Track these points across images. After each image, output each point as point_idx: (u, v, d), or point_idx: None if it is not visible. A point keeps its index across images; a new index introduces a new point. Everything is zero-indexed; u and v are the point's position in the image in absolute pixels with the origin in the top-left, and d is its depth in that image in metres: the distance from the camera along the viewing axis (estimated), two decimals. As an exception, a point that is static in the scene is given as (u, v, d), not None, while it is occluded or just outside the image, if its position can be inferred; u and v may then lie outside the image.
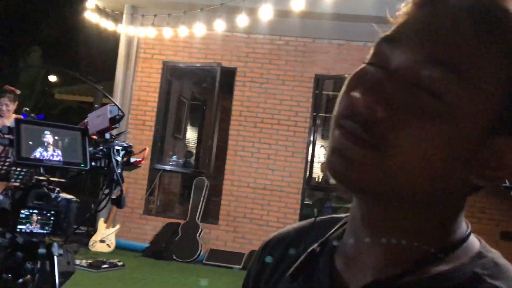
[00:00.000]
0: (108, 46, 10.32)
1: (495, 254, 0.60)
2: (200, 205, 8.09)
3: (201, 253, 7.81)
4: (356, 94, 0.53)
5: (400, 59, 0.53)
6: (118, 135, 1.70)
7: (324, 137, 11.79)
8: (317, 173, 9.97)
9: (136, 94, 8.60)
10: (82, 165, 1.58)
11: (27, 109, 4.07)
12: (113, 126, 1.64)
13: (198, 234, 7.92)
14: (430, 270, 0.57)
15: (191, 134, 11.85)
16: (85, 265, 6.46)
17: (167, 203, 9.73)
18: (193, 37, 7.93)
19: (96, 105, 8.58)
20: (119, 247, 7.83)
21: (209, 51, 8.36)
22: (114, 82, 8.55)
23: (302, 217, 8.01)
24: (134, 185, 8.32)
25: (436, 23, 0.52)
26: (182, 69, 8.64)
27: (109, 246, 7.73)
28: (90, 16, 8.02)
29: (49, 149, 1.51)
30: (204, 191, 8.17)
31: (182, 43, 8.26)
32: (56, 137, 1.54)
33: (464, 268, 0.57)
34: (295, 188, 8.02)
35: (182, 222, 8.11)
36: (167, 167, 9.06)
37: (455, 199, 0.58)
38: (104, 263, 6.64)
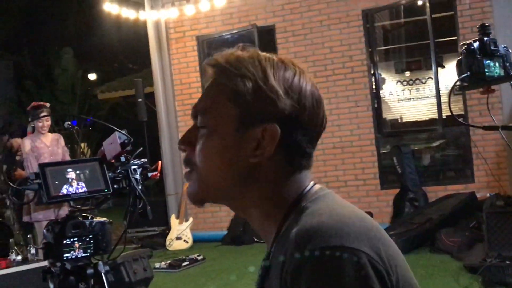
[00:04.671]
0: (138, 33, 10.87)
1: (313, 203, 0.99)
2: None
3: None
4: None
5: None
6: (135, 154, 2.11)
7: (397, 71, 11.86)
8: (388, 115, 10.14)
9: (177, 78, 9.11)
10: (106, 190, 2.01)
11: (69, 123, 4.60)
12: (125, 150, 2.05)
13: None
14: (281, 230, 1.00)
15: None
16: (165, 266, 7.11)
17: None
18: (220, 4, 8.29)
19: (139, 99, 9.18)
20: (197, 241, 8.48)
21: (241, 14, 8.68)
22: (152, 70, 9.10)
23: (381, 169, 8.29)
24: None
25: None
26: (218, 39, 9.03)
27: (187, 242, 8.39)
28: (110, 8, 8.55)
29: (73, 183, 1.95)
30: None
31: (210, 13, 8.64)
32: (78, 171, 1.97)
33: (292, 220, 0.97)
34: (367, 140, 8.27)
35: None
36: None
37: (257, 178, 1.00)
38: (184, 260, 7.26)
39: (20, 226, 8.24)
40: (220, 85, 1.02)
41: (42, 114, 6.32)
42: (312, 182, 1.06)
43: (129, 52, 15.93)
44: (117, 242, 2.14)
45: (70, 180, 1.96)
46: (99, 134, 14.57)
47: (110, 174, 2.02)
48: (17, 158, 7.57)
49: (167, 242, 8.39)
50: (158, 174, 2.17)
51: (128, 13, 8.59)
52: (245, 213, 1.05)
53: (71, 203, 1.94)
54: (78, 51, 16.13)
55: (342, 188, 8.30)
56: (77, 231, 1.95)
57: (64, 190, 1.94)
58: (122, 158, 2.08)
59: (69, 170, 1.97)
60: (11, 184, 1.96)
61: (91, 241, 2.00)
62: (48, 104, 6.54)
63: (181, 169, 9.03)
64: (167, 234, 8.52)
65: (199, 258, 7.43)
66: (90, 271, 2.01)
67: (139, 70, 15.44)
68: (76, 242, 1.96)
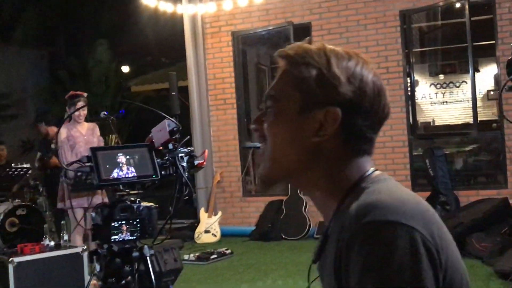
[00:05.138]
0: (173, 27, 10.98)
1: (374, 184, 1.07)
2: (300, 177, 8.57)
3: (310, 227, 8.32)
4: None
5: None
6: (182, 143, 2.17)
7: (431, 73, 11.78)
8: (421, 118, 10.08)
9: (211, 72, 9.19)
10: (154, 176, 2.07)
11: (105, 113, 4.67)
12: (173, 137, 2.11)
13: (303, 208, 8.43)
14: (341, 207, 1.07)
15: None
16: (193, 259, 7.20)
17: (266, 181, 10.31)
18: (258, 0, 8.33)
19: (173, 93, 9.27)
20: (224, 235, 8.56)
21: (277, 10, 8.72)
22: (186, 64, 9.19)
23: (413, 171, 8.25)
24: (228, 168, 8.98)
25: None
26: (253, 35, 9.08)
27: (215, 236, 8.47)
28: (148, 1, 8.67)
29: (124, 168, 2.01)
30: (301, 161, 8.63)
31: (247, 8, 8.69)
32: (128, 156, 2.04)
33: (352, 198, 1.04)
34: (399, 142, 8.25)
35: (284, 198, 8.66)
36: (258, 144, 9.59)
37: (319, 157, 1.09)
38: (212, 253, 7.34)
39: (52, 213, 8.42)
40: (288, 73, 1.13)
41: (79, 104, 6.43)
42: (372, 168, 1.13)
43: (163, 46, 16.09)
44: (161, 227, 2.20)
45: (120, 164, 2.02)
46: (130, 126, 14.75)
47: (158, 160, 2.08)
48: (52, 146, 7.71)
49: (196, 235, 8.48)
50: (204, 163, 2.23)
51: (165, 7, 8.68)
52: (308, 190, 1.15)
53: (120, 186, 2.01)
54: (113, 43, 16.32)
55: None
56: (125, 214, 2.02)
57: (114, 174, 2.01)
58: (170, 146, 2.14)
59: (120, 154, 2.03)
60: (63, 166, 2.02)
61: (138, 225, 2.07)
62: (85, 94, 6.65)
63: (212, 163, 9.12)
64: (196, 227, 8.62)
65: (227, 252, 7.50)
66: (135, 254, 2.08)
67: (172, 64, 15.58)
68: (123, 225, 2.03)
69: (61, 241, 6.05)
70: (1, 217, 7.65)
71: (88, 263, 5.96)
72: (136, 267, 2.12)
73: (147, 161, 2.07)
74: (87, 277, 6.06)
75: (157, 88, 13.23)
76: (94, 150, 1.98)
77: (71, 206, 6.31)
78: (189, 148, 2.17)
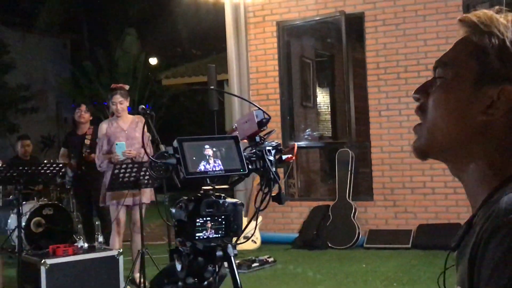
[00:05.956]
0: (211, 16, 11.05)
1: None
2: (348, 181, 8.59)
3: (360, 236, 8.32)
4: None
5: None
6: (267, 135, 2.20)
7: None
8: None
9: (253, 65, 9.25)
10: (241, 170, 2.10)
11: (143, 106, 4.75)
12: (262, 129, 2.14)
13: (352, 214, 8.44)
14: (493, 196, 1.06)
15: (323, 99, 12.32)
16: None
17: (310, 184, 10.36)
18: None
19: (211, 87, 9.34)
20: (265, 242, 8.61)
21: (327, -1, 8.74)
22: (227, 56, 9.25)
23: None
24: (269, 169, 9.00)
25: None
26: (300, 26, 9.11)
27: (255, 242, 8.52)
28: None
29: (210, 161, 2.05)
30: (350, 164, 8.65)
31: (294, -4, 8.74)
32: (214, 149, 2.07)
33: (503, 192, 1.03)
34: (460, 144, 8.19)
35: (331, 203, 8.68)
36: (302, 143, 9.65)
37: (483, 138, 1.08)
38: (254, 261, 7.39)
39: (79, 214, 8.53)
40: (467, 40, 1.13)
41: (115, 97, 6.53)
42: None
43: (195, 37, 16.19)
44: (247, 224, 2.24)
45: (207, 157, 2.06)
46: (158, 121, 14.86)
47: (245, 154, 2.12)
48: (86, 141, 7.82)
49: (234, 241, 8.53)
50: (293, 158, 2.25)
51: (206, -7, 8.76)
52: (461, 172, 1.15)
53: (207, 180, 2.05)
54: (141, 33, 16.45)
55: (429, 196, 8.26)
56: (210, 210, 2.05)
57: (201, 167, 2.04)
58: (257, 138, 2.17)
59: (206, 146, 2.07)
60: (149, 157, 2.08)
61: (223, 222, 2.10)
62: (126, 86, 6.76)
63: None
64: (234, 232, 8.67)
65: (270, 260, 7.54)
66: (219, 253, 2.11)
67: (203, 56, 15.66)
68: (208, 221, 2.06)
69: (96, 243, 6.15)
70: (27, 216, 7.77)
71: (124, 267, 6.06)
72: (220, 266, 2.16)
73: (234, 154, 2.10)
74: (122, 283, 6.15)
75: (190, 82, 13.34)
76: (180, 140, 2.02)
77: (111, 204, 6.42)
78: (276, 141, 2.20)
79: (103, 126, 6.61)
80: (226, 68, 9.44)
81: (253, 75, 9.27)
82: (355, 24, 8.71)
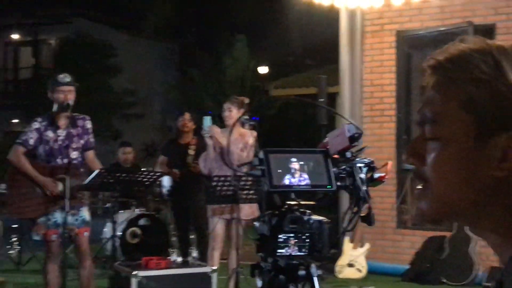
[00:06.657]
0: (325, 24, 11.15)
1: None
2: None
3: (478, 272, 8.08)
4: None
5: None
6: (358, 151, 2.26)
7: None
8: None
9: (368, 78, 9.24)
10: (329, 187, 2.17)
11: (247, 117, 4.85)
12: (353, 145, 2.20)
13: (470, 248, 8.21)
14: None
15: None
16: (334, 295, 7.26)
17: (425, 212, 10.13)
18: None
19: (321, 99, 9.42)
20: (371, 272, 8.53)
21: (454, 8, 8.61)
22: (339, 67, 9.30)
23: None
24: (380, 193, 8.93)
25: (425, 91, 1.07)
26: (422, 37, 9.02)
27: (360, 271, 8.48)
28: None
29: (296, 175, 2.14)
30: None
31: (417, 4, 8.66)
32: (301, 163, 2.16)
33: None
34: None
35: (447, 234, 8.48)
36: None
37: (501, 195, 1.00)
38: (357, 291, 7.37)
39: (176, 227, 8.78)
40: (448, 90, 1.02)
41: (224, 105, 6.68)
42: None
43: (309, 46, 16.33)
44: (332, 243, 2.30)
45: (293, 170, 2.14)
46: (263, 136, 15.05)
47: (334, 169, 2.19)
48: (190, 152, 7.97)
49: (337, 268, 8.53)
50: (387, 176, 2.29)
51: (321, 0, 8.84)
52: (481, 232, 1.09)
53: (292, 195, 2.13)
54: (251, 40, 16.75)
55: None
56: (294, 227, 2.13)
57: (286, 181, 2.13)
58: (348, 154, 2.23)
59: (293, 160, 2.16)
60: (229, 166, 2.19)
61: (307, 240, 2.17)
62: (246, 100, 6.78)
63: (361, 185, 9.12)
64: (338, 258, 8.66)
65: (374, 291, 7.50)
66: (301, 272, 2.18)
67: (317, 66, 15.75)
68: (291, 238, 2.14)
69: (189, 258, 6.37)
70: (124, 226, 8.08)
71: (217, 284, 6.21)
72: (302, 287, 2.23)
73: (322, 169, 2.18)
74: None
75: (300, 93, 13.47)
76: (266, 152, 2.12)
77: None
78: (368, 158, 2.25)
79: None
80: (338, 79, 9.49)
81: (367, 88, 9.25)
82: (485, 37, 8.49)
